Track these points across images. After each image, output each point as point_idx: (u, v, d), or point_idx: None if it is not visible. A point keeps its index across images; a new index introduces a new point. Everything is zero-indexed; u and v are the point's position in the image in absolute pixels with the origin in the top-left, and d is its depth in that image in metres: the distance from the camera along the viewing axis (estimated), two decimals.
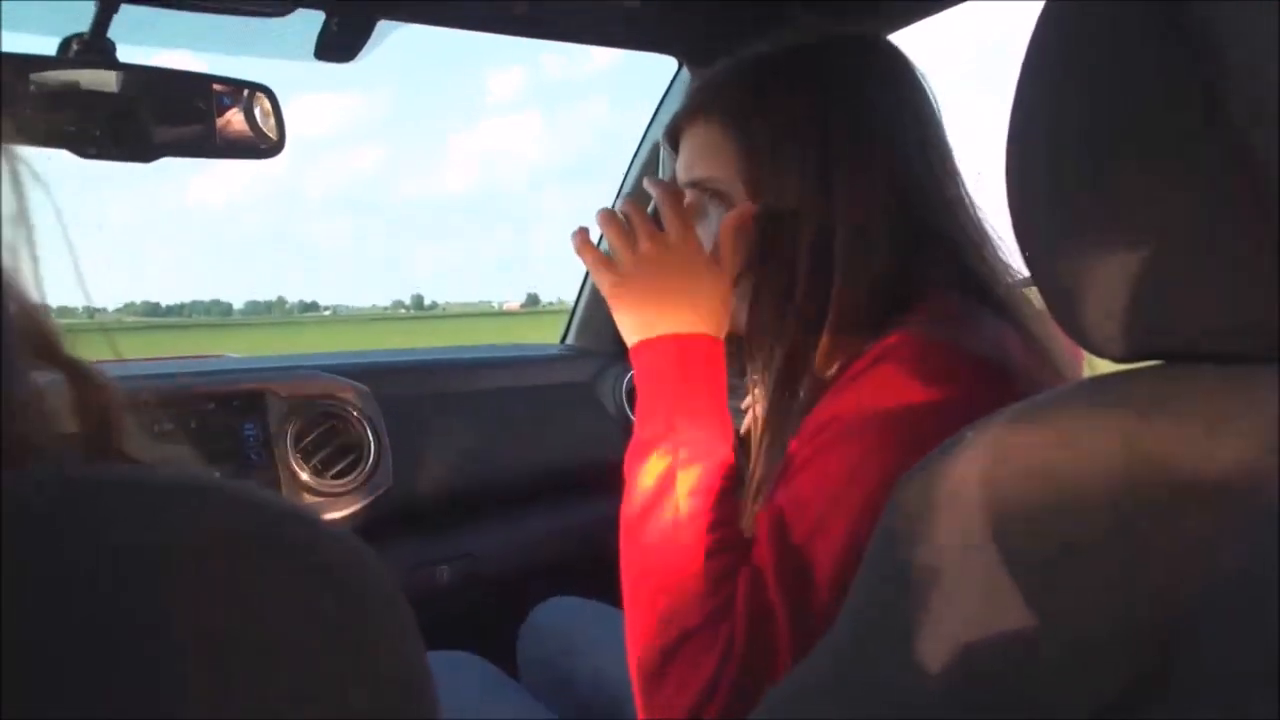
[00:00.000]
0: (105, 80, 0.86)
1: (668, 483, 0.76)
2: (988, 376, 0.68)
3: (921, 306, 0.74)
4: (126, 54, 0.90)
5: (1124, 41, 0.46)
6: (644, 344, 0.78)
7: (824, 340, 0.77)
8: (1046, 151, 0.50)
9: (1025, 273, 0.79)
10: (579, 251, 0.84)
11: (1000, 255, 0.79)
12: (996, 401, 0.64)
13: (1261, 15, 0.46)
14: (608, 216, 0.82)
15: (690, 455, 0.76)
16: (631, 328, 0.79)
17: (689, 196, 0.82)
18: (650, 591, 0.75)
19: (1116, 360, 0.51)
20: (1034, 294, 0.79)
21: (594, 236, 0.86)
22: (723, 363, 0.79)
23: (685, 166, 0.83)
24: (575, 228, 0.85)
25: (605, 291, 0.81)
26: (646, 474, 0.78)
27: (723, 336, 0.79)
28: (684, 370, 0.76)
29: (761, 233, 0.77)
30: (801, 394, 0.79)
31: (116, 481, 0.24)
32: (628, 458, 0.80)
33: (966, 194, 0.80)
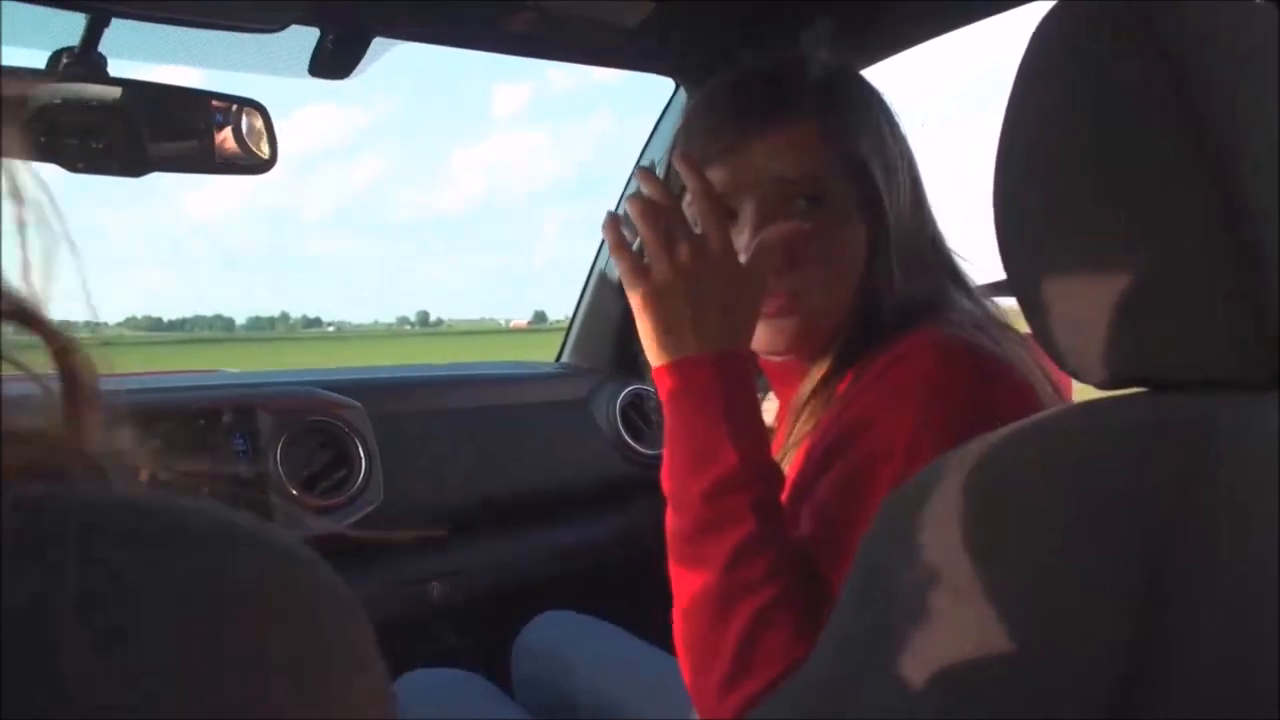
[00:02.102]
0: (96, 95, 0.86)
1: (750, 518, 0.70)
2: (1005, 376, 0.71)
3: (939, 315, 0.77)
4: (117, 69, 0.90)
5: (1111, 77, 0.46)
6: (682, 362, 0.73)
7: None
8: (1032, 181, 0.50)
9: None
10: (613, 251, 0.78)
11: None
12: (1014, 400, 0.68)
13: (1250, 60, 0.46)
14: (645, 211, 0.75)
15: (764, 483, 0.72)
16: (661, 344, 0.74)
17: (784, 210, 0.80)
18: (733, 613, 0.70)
19: (1100, 387, 0.51)
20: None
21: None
22: (754, 379, 0.76)
23: (771, 157, 0.79)
24: (605, 215, 0.80)
25: (636, 301, 0.75)
26: (717, 501, 0.71)
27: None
28: (731, 391, 0.72)
29: (863, 228, 0.80)
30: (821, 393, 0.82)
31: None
32: (677, 476, 0.74)
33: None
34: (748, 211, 0.79)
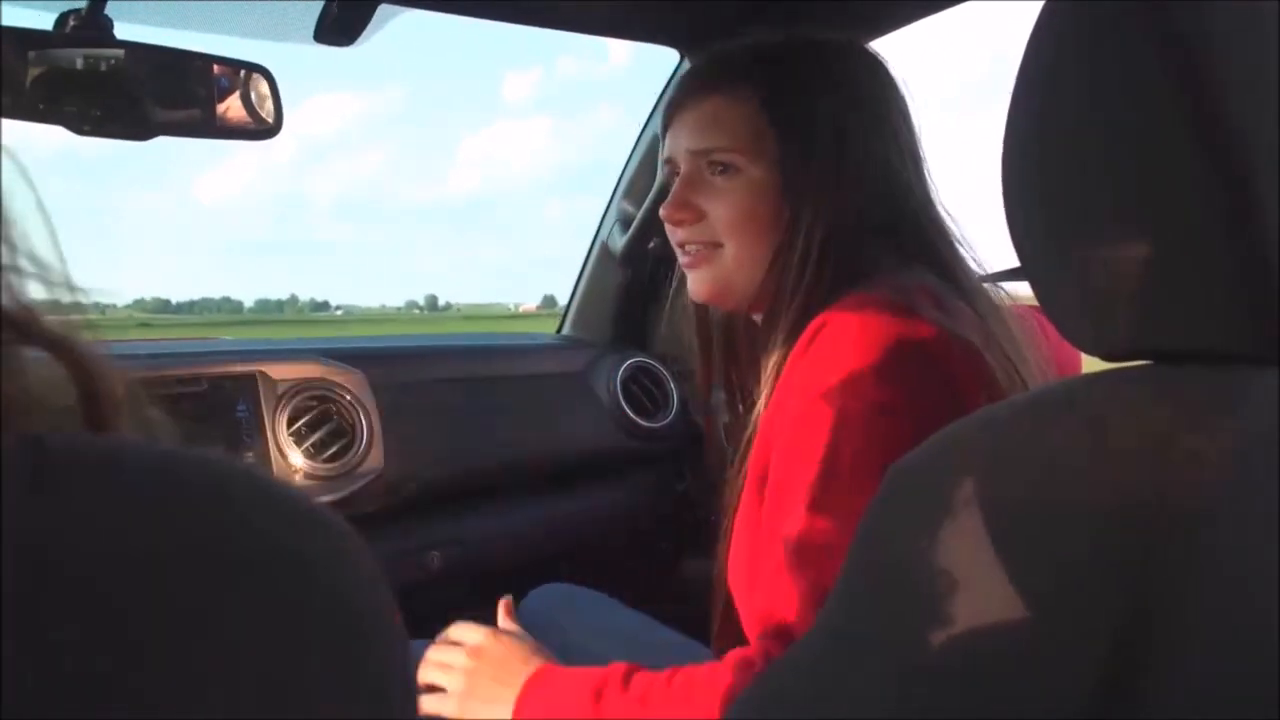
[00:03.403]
0: (102, 57, 0.86)
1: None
2: (934, 340, 0.75)
3: (883, 279, 0.80)
4: (124, 31, 0.89)
5: (1117, 52, 0.46)
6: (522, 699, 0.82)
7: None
8: (1040, 156, 0.51)
9: (986, 270, 0.86)
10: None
11: (964, 253, 0.88)
12: (943, 366, 0.73)
13: (1253, 27, 0.46)
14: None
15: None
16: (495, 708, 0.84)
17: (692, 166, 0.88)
18: None
19: (1106, 359, 0.51)
20: (1009, 291, 0.86)
21: None
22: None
23: (698, 134, 0.87)
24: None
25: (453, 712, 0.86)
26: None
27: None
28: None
29: (778, 204, 0.84)
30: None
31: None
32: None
33: (936, 197, 0.89)
34: (680, 174, 0.89)
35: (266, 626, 0.22)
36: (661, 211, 0.88)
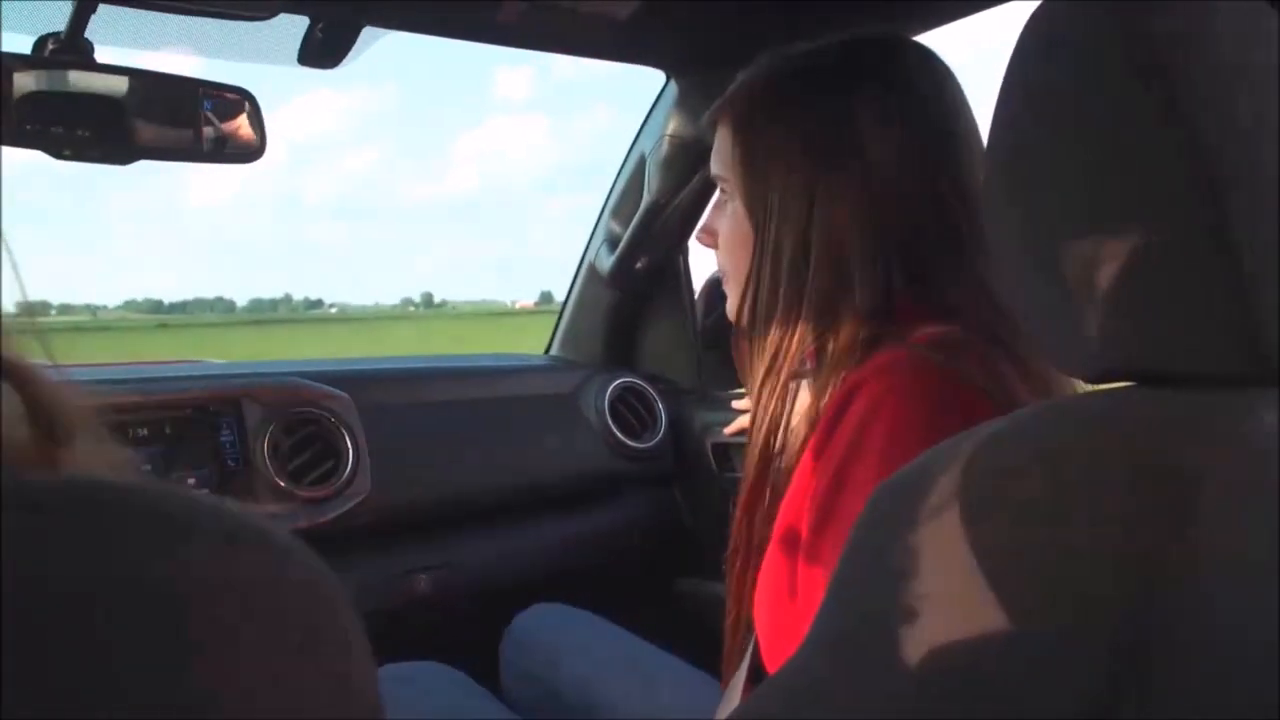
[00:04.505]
0: (83, 81, 0.85)
1: None
2: (977, 401, 0.68)
3: (910, 329, 0.74)
4: (105, 55, 0.89)
5: (1099, 74, 0.46)
6: None
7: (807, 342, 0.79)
8: (1022, 176, 0.51)
9: None
10: None
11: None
12: (960, 397, 0.68)
13: (1240, 37, 0.46)
14: None
15: None
16: None
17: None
18: None
19: (1089, 381, 0.51)
20: None
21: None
22: None
23: (713, 158, 0.87)
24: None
25: None
26: None
27: None
28: None
29: (753, 234, 0.81)
30: (789, 400, 0.80)
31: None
32: None
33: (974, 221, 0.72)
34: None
35: (211, 652, 0.22)
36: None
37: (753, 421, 0.82)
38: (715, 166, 0.86)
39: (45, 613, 0.20)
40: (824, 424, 0.74)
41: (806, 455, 0.76)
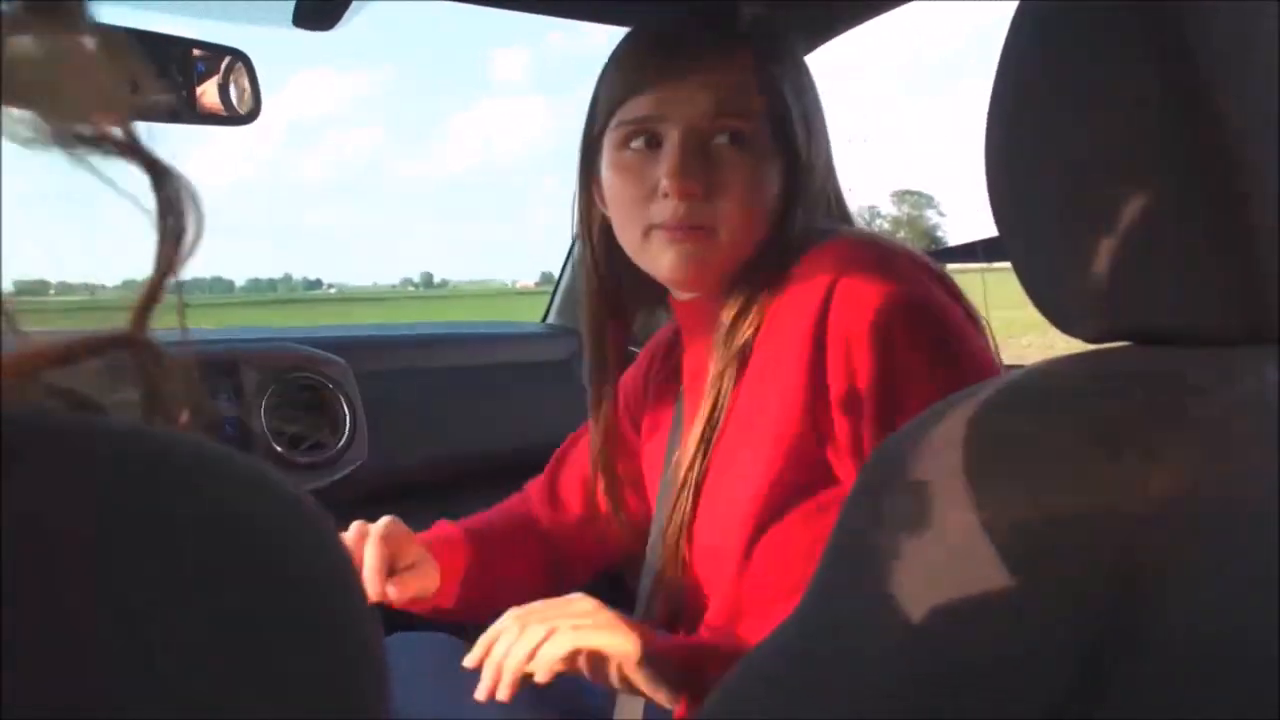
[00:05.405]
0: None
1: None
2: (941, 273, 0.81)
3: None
4: (97, 13, 0.88)
5: (1098, 39, 0.46)
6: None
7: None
8: (1023, 141, 0.50)
9: None
10: None
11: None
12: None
13: (1231, 16, 0.46)
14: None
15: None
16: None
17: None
18: None
19: (1088, 340, 0.51)
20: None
21: None
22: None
23: (701, 90, 0.82)
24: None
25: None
26: None
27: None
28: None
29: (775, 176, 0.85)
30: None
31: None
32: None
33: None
34: (672, 140, 0.81)
35: (216, 591, 0.22)
36: (670, 185, 0.80)
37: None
38: (718, 105, 0.82)
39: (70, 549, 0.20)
40: (804, 337, 0.77)
41: (782, 374, 0.79)
